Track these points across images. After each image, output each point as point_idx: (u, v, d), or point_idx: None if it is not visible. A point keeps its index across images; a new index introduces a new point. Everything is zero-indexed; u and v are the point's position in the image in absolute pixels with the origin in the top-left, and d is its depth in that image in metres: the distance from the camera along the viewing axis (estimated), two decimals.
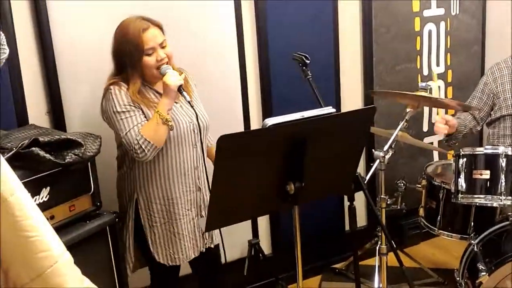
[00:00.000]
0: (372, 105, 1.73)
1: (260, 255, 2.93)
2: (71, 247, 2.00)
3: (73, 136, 2.08)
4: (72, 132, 2.22)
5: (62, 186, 2.08)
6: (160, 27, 2.17)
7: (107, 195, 2.40)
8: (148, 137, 2.06)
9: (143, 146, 2.06)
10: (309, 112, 1.65)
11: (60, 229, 2.05)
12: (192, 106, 2.08)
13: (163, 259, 2.30)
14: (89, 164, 2.19)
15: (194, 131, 2.22)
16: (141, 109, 2.14)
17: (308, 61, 2.23)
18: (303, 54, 2.25)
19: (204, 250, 2.36)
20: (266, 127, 1.59)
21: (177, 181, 2.23)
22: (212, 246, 2.41)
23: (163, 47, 2.14)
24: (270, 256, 3.19)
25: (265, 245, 3.18)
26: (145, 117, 2.14)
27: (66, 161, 2.01)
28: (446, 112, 3.61)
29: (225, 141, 1.52)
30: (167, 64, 2.14)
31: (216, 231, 2.40)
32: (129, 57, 2.11)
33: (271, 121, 1.59)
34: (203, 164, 2.31)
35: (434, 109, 3.57)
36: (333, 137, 1.71)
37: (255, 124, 3.03)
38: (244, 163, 1.60)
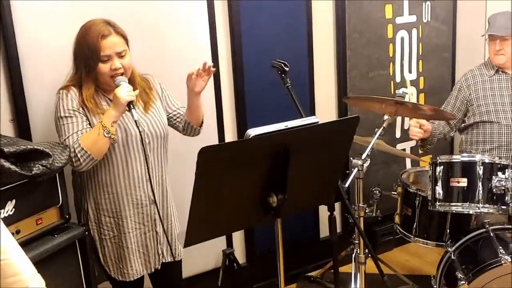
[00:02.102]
0: (356, 115, 1.69)
1: (235, 265, 2.89)
2: (39, 262, 1.94)
3: (40, 146, 1.97)
4: (39, 142, 2.10)
5: (29, 198, 1.99)
6: (123, 36, 2.10)
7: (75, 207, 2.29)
8: (85, 146, 1.99)
9: (79, 155, 1.99)
10: (292, 122, 1.60)
11: (26, 244, 1.97)
12: (137, 126, 2.00)
13: (114, 273, 2.22)
14: (57, 175, 2.09)
15: (145, 140, 2.12)
16: (87, 116, 2.07)
17: (287, 69, 2.19)
18: (282, 61, 2.21)
19: (159, 267, 2.27)
20: (249, 138, 1.53)
21: (126, 193, 2.14)
22: (174, 259, 2.32)
23: (121, 57, 2.07)
24: (244, 266, 3.14)
25: (240, 254, 3.13)
26: (89, 124, 2.07)
27: (33, 172, 1.91)
28: None
29: (206, 153, 1.45)
30: (122, 75, 2.06)
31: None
32: (85, 61, 2.05)
33: (254, 131, 1.54)
34: (161, 176, 2.23)
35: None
36: (316, 147, 1.66)
37: (229, 134, 2.96)
38: (225, 175, 1.54)
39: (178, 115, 2.35)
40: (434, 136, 2.93)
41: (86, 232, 2.20)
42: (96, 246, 2.21)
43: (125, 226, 2.16)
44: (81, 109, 2.06)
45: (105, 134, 1.97)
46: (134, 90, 2.11)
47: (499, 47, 2.80)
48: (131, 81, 2.13)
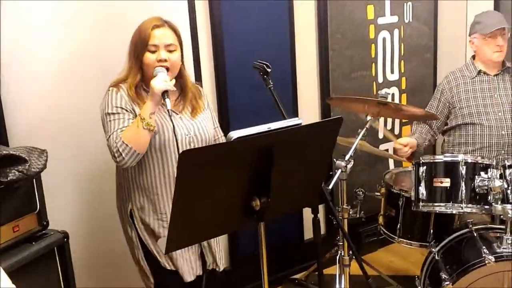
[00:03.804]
0: (339, 116, 1.68)
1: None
2: (16, 271, 1.90)
3: (16, 152, 1.93)
4: (15, 147, 2.05)
5: (5, 205, 1.94)
6: (176, 32, 2.09)
7: (54, 213, 2.24)
8: (126, 140, 1.93)
9: (121, 150, 1.93)
10: (275, 124, 1.57)
11: (3, 252, 1.93)
12: (170, 116, 1.94)
13: (167, 263, 2.15)
14: (34, 181, 2.04)
15: (190, 144, 2.09)
16: (134, 111, 2.02)
17: (269, 70, 2.17)
18: (264, 62, 2.18)
19: (201, 272, 2.21)
20: (231, 141, 1.50)
21: (166, 195, 2.10)
22: (217, 268, 2.27)
23: (170, 51, 2.04)
24: (228, 270, 3.10)
25: (223, 258, 3.08)
26: None
27: (9, 178, 1.88)
28: (400, 121, 3.66)
29: (188, 157, 1.42)
30: (168, 70, 2.02)
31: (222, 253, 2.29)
32: (134, 49, 2.05)
33: (236, 134, 1.50)
34: None
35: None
36: (300, 149, 1.63)
37: None
38: (208, 179, 1.50)
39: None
40: (421, 145, 2.96)
41: (65, 239, 2.16)
42: (147, 244, 2.13)
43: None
44: (128, 106, 2.02)
45: (144, 127, 1.93)
46: (185, 95, 2.11)
47: (503, 42, 2.78)
48: (182, 84, 2.13)
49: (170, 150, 2.07)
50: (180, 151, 2.01)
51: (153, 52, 2.02)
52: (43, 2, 2.35)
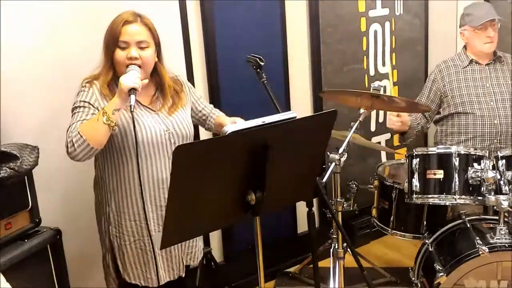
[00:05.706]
0: (333, 109, 1.67)
1: (212, 263, 2.85)
2: (9, 269, 1.88)
3: (7, 148, 1.91)
4: (7, 144, 2.03)
5: None
6: (149, 28, 2.02)
7: (47, 210, 2.22)
8: (82, 131, 1.86)
9: (74, 140, 1.85)
10: (270, 118, 1.56)
11: None
12: (131, 111, 1.85)
13: (135, 279, 2.10)
14: (26, 178, 2.02)
15: (170, 140, 2.04)
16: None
17: (262, 63, 2.16)
18: (257, 56, 2.17)
19: (183, 274, 2.18)
20: (225, 135, 1.49)
21: (149, 194, 2.05)
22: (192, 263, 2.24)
23: (141, 48, 1.97)
24: (222, 264, 3.11)
25: (217, 253, 3.09)
26: None
27: (0, 175, 1.85)
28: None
29: (182, 152, 1.41)
30: (139, 67, 1.96)
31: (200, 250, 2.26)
32: (106, 46, 2.00)
33: (231, 128, 1.49)
34: None
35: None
36: (295, 142, 1.63)
37: (203, 132, 2.91)
38: (202, 173, 1.49)
39: (202, 116, 2.31)
40: (413, 128, 2.95)
41: (58, 236, 2.14)
42: (114, 254, 2.09)
43: (148, 229, 2.06)
44: (96, 103, 1.97)
45: (104, 121, 1.85)
46: (163, 92, 2.07)
47: (493, 33, 2.79)
48: (159, 81, 2.08)
49: (160, 148, 2.03)
50: (162, 148, 2.01)
51: (124, 49, 1.96)
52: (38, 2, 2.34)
